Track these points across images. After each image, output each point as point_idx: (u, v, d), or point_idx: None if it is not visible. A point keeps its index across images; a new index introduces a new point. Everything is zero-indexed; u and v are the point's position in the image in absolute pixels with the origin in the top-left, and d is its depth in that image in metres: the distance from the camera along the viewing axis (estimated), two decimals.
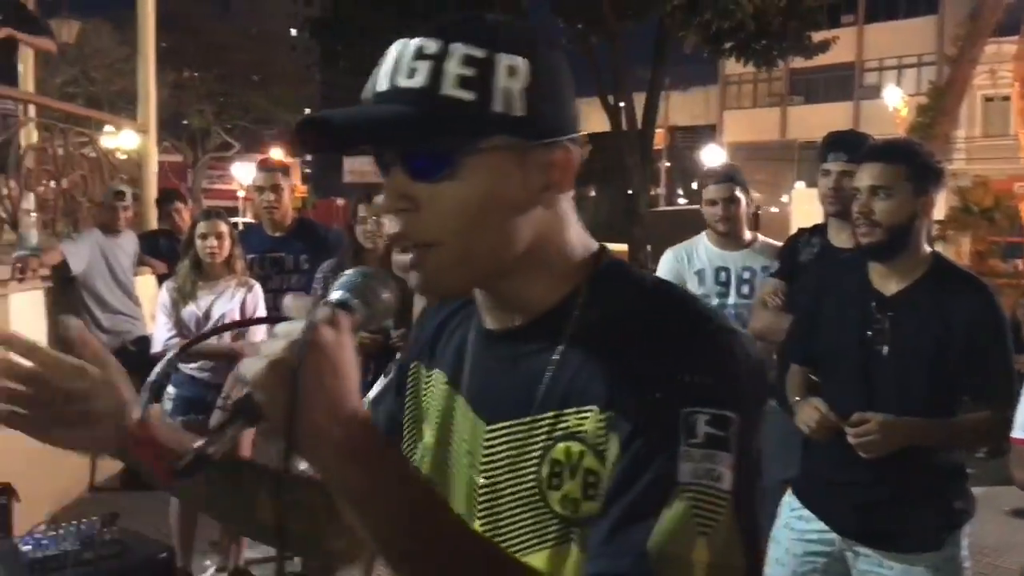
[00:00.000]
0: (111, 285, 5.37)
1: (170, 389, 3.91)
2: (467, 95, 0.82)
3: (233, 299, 3.87)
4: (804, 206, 14.40)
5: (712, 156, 36.10)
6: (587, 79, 16.17)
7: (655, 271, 3.61)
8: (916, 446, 2.14)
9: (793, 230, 3.65)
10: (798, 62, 16.46)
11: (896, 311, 2.19)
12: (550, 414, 0.87)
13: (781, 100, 36.22)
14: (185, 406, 3.84)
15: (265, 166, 4.43)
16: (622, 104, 15.20)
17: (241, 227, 6.10)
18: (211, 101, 35.08)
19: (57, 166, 5.97)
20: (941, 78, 25.94)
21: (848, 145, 2.98)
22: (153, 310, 4.12)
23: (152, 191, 7.65)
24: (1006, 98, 27.80)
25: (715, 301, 3.32)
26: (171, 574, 2.85)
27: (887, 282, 2.24)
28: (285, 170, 4.40)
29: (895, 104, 28.04)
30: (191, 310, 3.84)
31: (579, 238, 0.94)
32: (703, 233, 3.60)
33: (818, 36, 15.27)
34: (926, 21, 33.28)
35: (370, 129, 0.85)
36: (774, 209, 23.80)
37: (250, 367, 0.75)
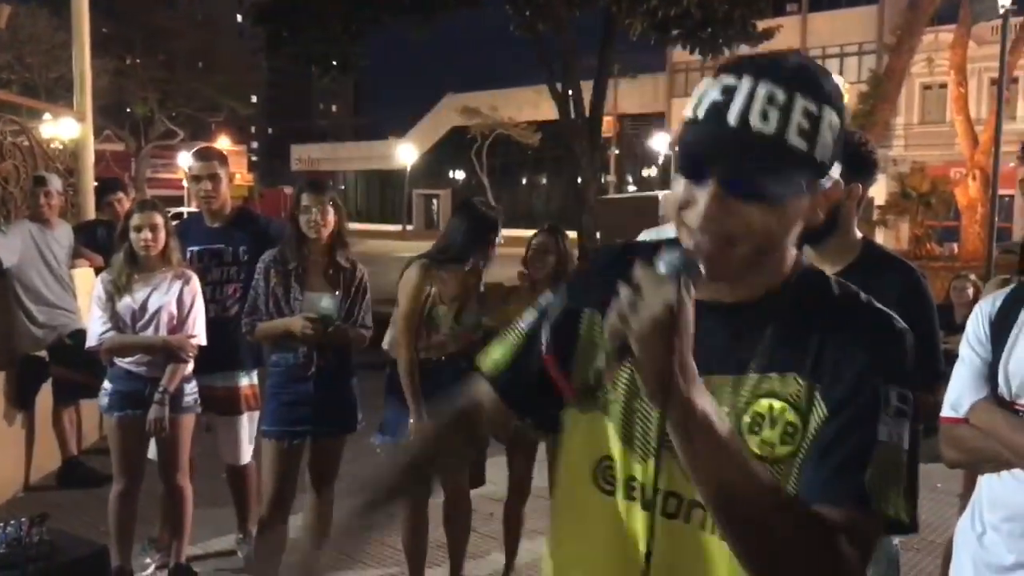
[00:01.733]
0: (46, 278, 5.23)
1: (106, 384, 3.81)
2: (802, 144, 1.03)
3: (169, 292, 3.78)
4: None
5: (661, 144, 36.43)
6: (535, 67, 16.14)
7: None
8: None
9: None
10: (743, 50, 16.59)
11: None
12: (755, 375, 1.11)
13: None
14: (121, 401, 3.75)
15: (202, 154, 4.27)
16: (571, 92, 15.19)
17: (186, 216, 5.98)
18: (154, 88, 34.31)
19: None
20: (881, 66, 26.43)
21: None
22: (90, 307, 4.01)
23: (90, 180, 7.46)
24: (943, 86, 28.46)
25: None
26: (104, 573, 2.80)
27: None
28: (222, 158, 4.26)
29: None
30: (127, 303, 3.75)
31: (794, 241, 1.16)
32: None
33: (763, 24, 15.41)
34: (867, 10, 33.89)
35: (739, 168, 1.03)
36: None
37: (625, 318, 0.96)
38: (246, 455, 4.18)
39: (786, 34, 20.72)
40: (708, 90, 1.06)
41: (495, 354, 1.33)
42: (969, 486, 3.35)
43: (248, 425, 4.14)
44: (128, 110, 35.93)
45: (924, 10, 22.08)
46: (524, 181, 48.09)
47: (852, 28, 34.20)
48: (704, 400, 0.99)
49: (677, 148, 1.10)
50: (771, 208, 1.05)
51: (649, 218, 8.18)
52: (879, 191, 26.56)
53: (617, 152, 38.08)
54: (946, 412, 1.94)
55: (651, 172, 42.25)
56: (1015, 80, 27.07)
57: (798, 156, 1.03)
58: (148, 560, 4.11)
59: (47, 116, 9.11)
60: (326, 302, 3.54)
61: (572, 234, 16.35)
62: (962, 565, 1.97)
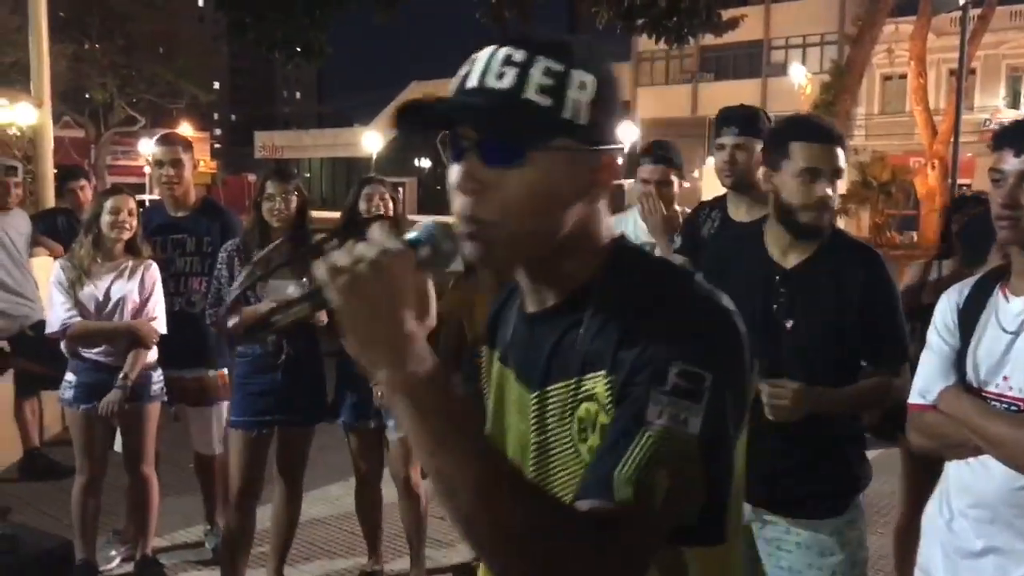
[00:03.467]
0: (7, 266, 5.12)
1: (69, 376, 3.74)
2: (544, 101, 0.99)
3: (132, 279, 3.72)
4: (714, 181, 14.69)
5: (626, 132, 36.55)
6: None
7: None
8: (821, 414, 2.20)
9: None
10: (708, 39, 16.71)
11: (797, 284, 2.25)
12: (573, 380, 1.04)
13: (692, 77, 36.78)
14: (88, 393, 3.68)
15: (165, 140, 4.19)
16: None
17: (148, 204, 5.88)
18: (114, 74, 33.59)
19: None
20: (842, 57, 26.74)
21: (740, 120, 3.05)
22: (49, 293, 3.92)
23: (49, 167, 7.33)
24: (903, 76, 28.86)
25: None
26: (68, 567, 2.75)
27: (786, 256, 2.29)
28: (186, 144, 4.19)
29: (800, 82, 28.79)
30: (90, 291, 3.69)
31: (607, 230, 1.10)
32: (633, 208, 3.62)
33: (727, 14, 15.50)
34: (829, 1, 34.21)
35: (465, 114, 1.02)
36: (686, 184, 24.19)
37: (325, 269, 0.90)
38: (218, 445, 4.14)
39: (750, 23, 20.87)
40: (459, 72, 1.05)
41: None
42: (909, 469, 3.43)
43: (218, 415, 4.10)
44: (87, 96, 35.17)
45: (885, 1, 22.35)
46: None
47: (815, 18, 34.51)
48: (414, 364, 0.90)
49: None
50: (520, 169, 0.99)
51: (617, 205, 8.22)
52: (841, 180, 26.89)
53: None
54: (914, 399, 1.97)
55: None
56: (973, 71, 27.54)
57: (540, 111, 0.99)
58: (113, 552, 4.06)
59: (3, 102, 8.92)
60: (292, 290, 3.52)
61: None
62: (931, 551, 2.01)
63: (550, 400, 1.07)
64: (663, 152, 3.58)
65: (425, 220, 1.02)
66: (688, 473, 0.93)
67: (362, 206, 3.60)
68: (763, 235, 2.35)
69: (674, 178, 3.52)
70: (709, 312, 1.02)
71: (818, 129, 2.27)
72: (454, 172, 1.03)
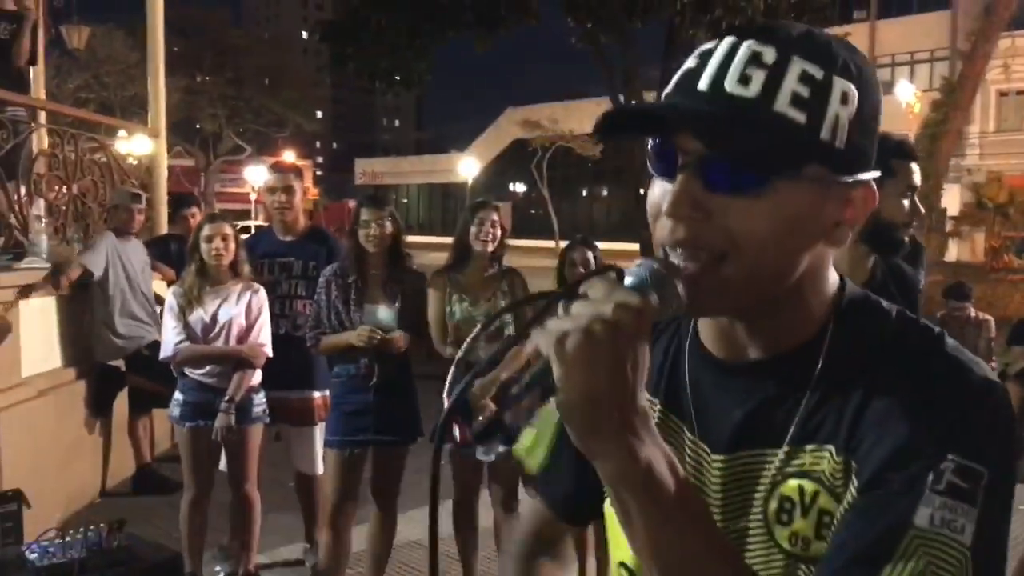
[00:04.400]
0: (129, 290, 5.37)
1: (177, 395, 3.89)
2: (799, 115, 0.78)
3: (239, 303, 3.86)
4: None
5: None
6: (598, 79, 16.11)
7: None
8: None
9: None
10: None
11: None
12: (784, 449, 0.85)
13: None
14: (193, 412, 3.83)
15: (278, 167, 4.41)
16: (633, 103, 15.14)
17: (254, 230, 6.10)
18: (223, 105, 35.20)
19: (67, 171, 5.97)
20: (954, 73, 25.75)
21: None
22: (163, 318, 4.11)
23: (162, 195, 7.68)
24: (1020, 92, 27.60)
25: None
26: None
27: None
28: (298, 172, 4.37)
29: (908, 100, 27.81)
30: (198, 315, 3.84)
31: (833, 274, 0.90)
32: None
33: (830, 31, 15.14)
34: (939, 16, 33.02)
35: (697, 125, 0.79)
36: None
37: (547, 340, 0.73)
38: (320, 465, 4.23)
39: (855, 41, 20.24)
40: (683, 66, 0.84)
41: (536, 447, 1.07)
42: None
43: (320, 435, 4.19)
44: (198, 126, 36.90)
45: (1000, 15, 21.46)
46: (584, 193, 47.96)
47: (923, 35, 33.36)
48: (651, 450, 0.76)
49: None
50: (757, 199, 0.78)
51: None
52: (952, 201, 25.84)
53: None
54: None
55: None
56: None
57: (792, 128, 0.78)
58: (218, 568, 4.18)
59: (122, 133, 9.42)
60: (383, 313, 3.60)
61: (633, 246, 16.18)
62: None
63: (744, 467, 0.88)
64: None
65: (642, 262, 0.82)
66: None
67: (473, 230, 3.65)
68: None
69: None
70: (983, 389, 0.80)
71: (912, 148, 2.40)
72: (660, 189, 0.84)
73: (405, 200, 51.83)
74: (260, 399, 3.93)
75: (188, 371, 3.87)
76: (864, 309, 0.89)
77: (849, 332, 0.86)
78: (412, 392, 3.76)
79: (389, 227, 3.64)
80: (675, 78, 0.84)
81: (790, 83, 0.78)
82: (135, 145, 9.05)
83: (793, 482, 0.84)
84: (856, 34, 21.85)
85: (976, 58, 21.85)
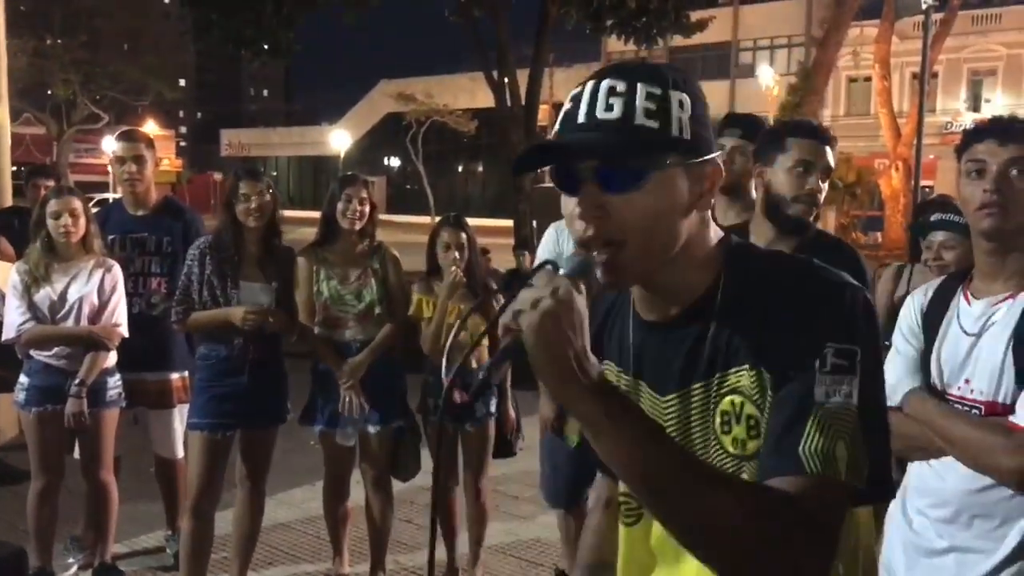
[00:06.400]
0: None
1: (22, 379, 3.65)
2: (653, 123, 1.07)
3: (90, 281, 3.64)
4: None
5: None
6: (471, 54, 16.00)
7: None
8: None
9: None
10: (677, 41, 16.73)
11: None
12: (715, 376, 1.11)
13: None
14: (40, 396, 3.60)
15: (127, 136, 4.08)
16: (507, 80, 15.12)
17: (111, 202, 5.77)
18: (77, 70, 33.08)
19: None
20: (809, 59, 27.01)
21: (745, 124, 3.01)
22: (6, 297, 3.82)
23: (6, 164, 7.17)
24: (868, 79, 29.22)
25: None
26: (22, 574, 2.67)
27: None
28: (149, 141, 4.10)
29: (768, 83, 29.03)
30: (45, 293, 3.60)
31: (714, 232, 1.17)
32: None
33: (696, 15, 15.54)
34: (796, 3, 34.57)
35: (591, 151, 1.08)
36: None
37: (517, 314, 0.96)
38: (179, 448, 4.07)
39: (719, 25, 20.98)
40: (562, 109, 1.13)
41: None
42: None
43: (180, 418, 4.02)
44: (49, 92, 34.60)
45: (850, 4, 22.61)
46: (460, 169, 47.87)
47: (782, 21, 34.84)
48: (608, 386, 0.99)
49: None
50: (640, 191, 1.07)
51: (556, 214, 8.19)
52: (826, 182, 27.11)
53: None
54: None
55: None
56: (935, 74, 27.94)
57: (651, 133, 1.07)
58: (71, 560, 3.97)
59: None
60: (263, 292, 3.50)
61: (507, 222, 16.21)
62: (893, 549, 2.02)
63: (690, 400, 1.14)
64: None
65: (572, 255, 1.10)
66: (859, 442, 1.02)
67: (340, 207, 3.55)
68: (748, 235, 2.36)
69: None
70: (841, 290, 1.09)
71: (814, 128, 2.43)
72: (571, 202, 1.10)
73: (275, 173, 50.24)
74: (115, 382, 3.73)
75: (34, 353, 3.63)
76: (746, 254, 1.18)
77: (737, 273, 1.13)
78: (283, 373, 3.67)
79: (268, 200, 3.51)
80: (559, 118, 1.12)
81: (641, 102, 1.07)
82: None
83: (727, 399, 1.11)
84: (720, 19, 22.54)
85: (828, 45, 22.98)
